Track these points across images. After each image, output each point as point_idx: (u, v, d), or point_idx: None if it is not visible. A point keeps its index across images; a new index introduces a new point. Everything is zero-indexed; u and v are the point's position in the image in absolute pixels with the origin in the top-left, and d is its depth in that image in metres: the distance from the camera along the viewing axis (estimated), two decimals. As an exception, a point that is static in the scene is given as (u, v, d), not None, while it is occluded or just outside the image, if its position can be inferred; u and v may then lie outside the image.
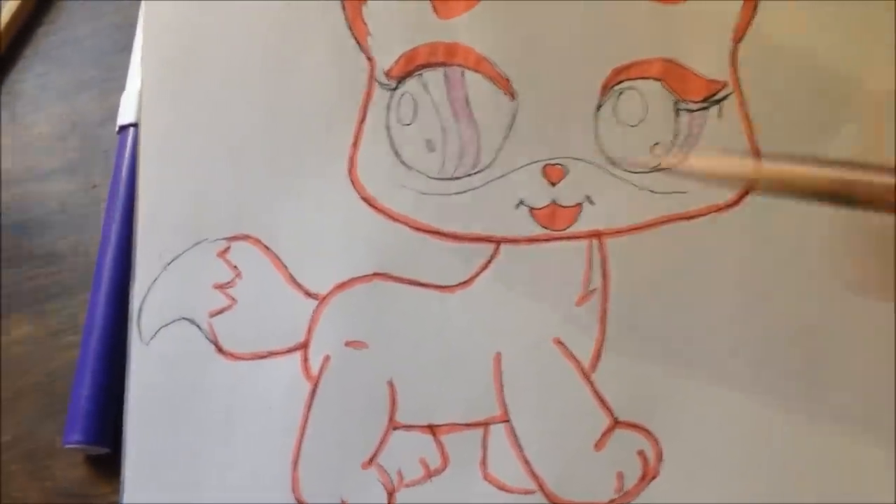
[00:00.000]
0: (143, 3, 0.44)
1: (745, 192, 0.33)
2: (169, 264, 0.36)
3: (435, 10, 0.36)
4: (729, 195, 0.33)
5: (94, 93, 0.45)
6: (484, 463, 0.33)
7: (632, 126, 0.35)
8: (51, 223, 0.43)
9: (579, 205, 0.34)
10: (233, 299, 0.35)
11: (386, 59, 0.36)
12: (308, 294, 0.35)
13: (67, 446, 0.38)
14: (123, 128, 0.43)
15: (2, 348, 0.41)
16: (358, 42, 0.36)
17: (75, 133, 0.45)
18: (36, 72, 0.46)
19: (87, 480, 0.39)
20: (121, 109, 0.43)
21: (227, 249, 0.35)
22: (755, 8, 0.34)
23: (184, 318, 0.35)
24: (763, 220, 0.33)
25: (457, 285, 0.34)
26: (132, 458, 0.35)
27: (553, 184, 0.34)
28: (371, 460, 0.34)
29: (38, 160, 0.44)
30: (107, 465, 0.38)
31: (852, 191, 0.26)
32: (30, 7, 0.47)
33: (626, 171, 0.34)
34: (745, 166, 0.32)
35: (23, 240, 0.43)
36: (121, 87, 0.44)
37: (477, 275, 0.34)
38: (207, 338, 0.35)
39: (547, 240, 0.34)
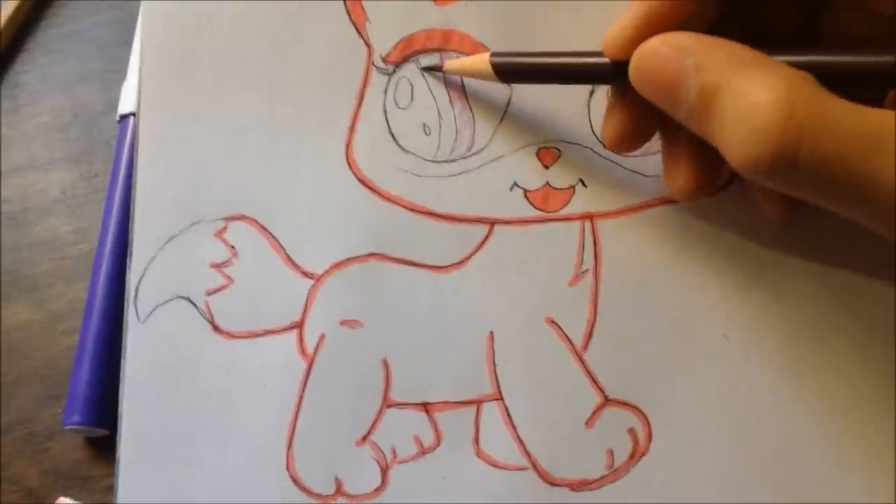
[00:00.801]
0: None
1: (734, 177, 0.34)
2: (166, 244, 0.36)
3: (431, -4, 0.36)
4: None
5: (96, 84, 0.46)
6: (476, 440, 0.34)
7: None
8: (52, 211, 0.44)
9: (572, 187, 0.35)
10: (229, 278, 0.35)
11: (383, 45, 0.36)
12: (304, 273, 0.35)
13: (67, 427, 0.38)
14: (124, 117, 0.43)
15: (3, 333, 0.41)
16: (356, 28, 0.37)
17: (77, 123, 0.45)
18: (39, 63, 0.47)
19: (87, 461, 0.39)
20: (121, 99, 0.44)
21: (223, 229, 0.36)
22: None
23: (180, 297, 0.36)
24: (752, 203, 0.34)
25: (451, 265, 0.35)
26: (128, 436, 0.35)
27: (546, 167, 0.35)
28: (365, 438, 0.34)
29: (41, 149, 0.45)
30: (106, 446, 0.39)
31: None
32: (33, 1, 0.47)
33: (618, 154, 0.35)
34: (481, 62, 0.33)
35: (24, 227, 0.43)
36: (122, 79, 0.45)
37: (471, 255, 0.35)
38: (204, 316, 0.35)
39: (540, 221, 0.35)
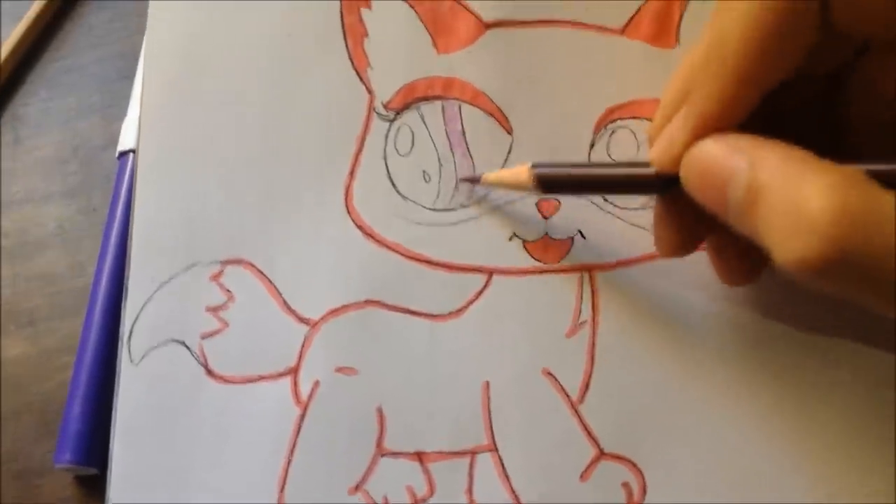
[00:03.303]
0: (145, 33, 0.45)
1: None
2: (162, 286, 0.36)
3: (434, 44, 0.37)
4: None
5: (97, 119, 0.46)
6: (470, 491, 0.34)
7: (623, 163, 0.35)
8: (50, 245, 0.44)
9: (571, 238, 0.35)
10: (225, 322, 0.35)
11: (385, 91, 0.36)
12: (300, 319, 0.35)
13: (58, 466, 0.38)
14: (123, 154, 0.43)
15: (-3, 367, 0.41)
16: (358, 74, 0.37)
17: (76, 157, 0.45)
18: (40, 97, 0.47)
19: (77, 501, 0.39)
20: (121, 136, 0.44)
21: (220, 273, 0.36)
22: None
23: (174, 340, 0.35)
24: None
25: (448, 314, 0.35)
26: (118, 478, 0.35)
27: (546, 217, 0.35)
28: (358, 486, 0.34)
29: (40, 183, 0.45)
30: (97, 485, 0.39)
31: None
32: (35, 34, 0.48)
33: (616, 207, 0.35)
34: (521, 173, 0.32)
35: (21, 260, 0.43)
36: (122, 114, 0.45)
37: (469, 304, 0.35)
38: (198, 360, 0.35)
39: (538, 272, 0.35)
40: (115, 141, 0.44)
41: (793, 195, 0.24)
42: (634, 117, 0.35)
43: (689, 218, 0.30)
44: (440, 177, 0.36)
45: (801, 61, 0.27)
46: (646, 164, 0.30)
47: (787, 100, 0.29)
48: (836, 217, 0.23)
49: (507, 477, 0.34)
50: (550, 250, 0.35)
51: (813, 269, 0.23)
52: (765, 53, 0.26)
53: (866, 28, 0.27)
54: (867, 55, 0.29)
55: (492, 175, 0.34)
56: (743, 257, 0.31)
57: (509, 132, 0.36)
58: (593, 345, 0.34)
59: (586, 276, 0.35)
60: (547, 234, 0.35)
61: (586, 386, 0.34)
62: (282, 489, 0.34)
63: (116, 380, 0.35)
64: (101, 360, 0.39)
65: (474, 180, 0.35)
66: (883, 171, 0.25)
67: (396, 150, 0.36)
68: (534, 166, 0.32)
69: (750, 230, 0.26)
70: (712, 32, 0.28)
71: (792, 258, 0.24)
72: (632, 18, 0.36)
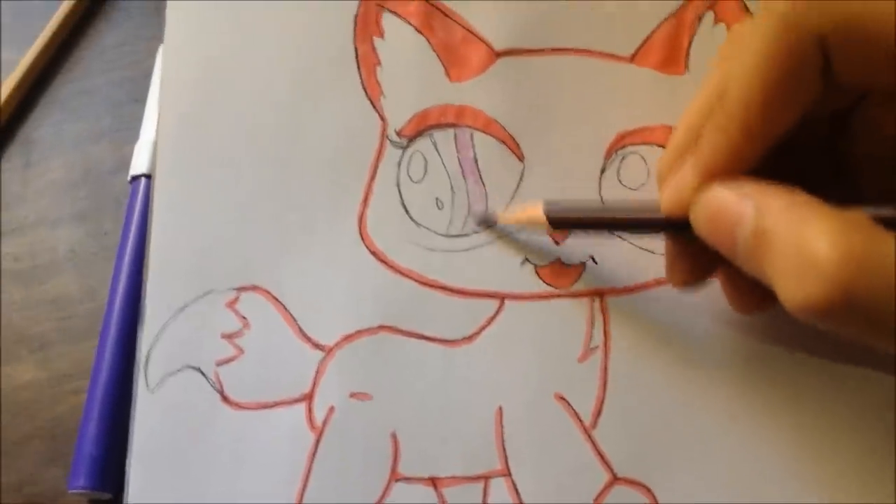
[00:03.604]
0: (160, 60, 0.45)
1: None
2: (178, 313, 0.36)
3: (447, 73, 0.37)
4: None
5: (107, 142, 0.46)
6: (484, 517, 0.34)
7: (633, 189, 0.36)
8: (61, 268, 0.44)
9: (582, 264, 0.35)
10: (240, 349, 0.36)
11: (398, 119, 0.37)
12: (315, 345, 0.35)
13: (72, 492, 0.38)
14: (136, 178, 0.44)
15: (9, 392, 0.41)
16: (371, 101, 0.37)
17: (88, 181, 0.45)
18: (52, 120, 0.47)
19: (89, 526, 0.39)
20: (133, 160, 0.44)
21: (235, 300, 0.36)
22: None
23: (190, 367, 0.36)
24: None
25: (461, 340, 0.35)
26: (135, 504, 0.35)
27: (557, 243, 0.35)
28: (373, 512, 0.34)
29: (51, 206, 0.45)
30: (109, 510, 0.39)
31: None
32: (47, 57, 0.48)
33: (628, 232, 0.35)
34: (535, 211, 0.33)
35: (32, 284, 0.43)
36: (133, 137, 0.45)
37: (481, 330, 0.35)
38: (213, 387, 0.35)
39: (550, 297, 0.35)
40: (125, 164, 0.44)
41: (797, 240, 0.24)
42: (645, 143, 0.36)
43: (699, 254, 0.31)
44: (453, 203, 0.36)
45: (804, 113, 0.28)
46: (656, 206, 0.30)
47: (793, 140, 0.30)
48: (840, 261, 0.23)
49: (520, 502, 0.34)
50: (562, 275, 0.35)
51: (818, 312, 0.24)
52: (769, 107, 0.27)
53: (868, 81, 0.27)
54: (869, 97, 0.30)
55: (506, 216, 0.35)
56: (755, 289, 0.31)
57: (521, 159, 0.36)
58: (605, 369, 0.35)
59: (597, 301, 0.35)
60: (559, 259, 0.35)
61: (599, 411, 0.34)
62: (297, 514, 0.34)
63: (132, 406, 0.36)
64: (115, 384, 0.39)
65: (490, 222, 0.36)
66: (886, 216, 0.25)
67: (409, 177, 0.36)
68: (546, 205, 0.32)
69: (757, 272, 0.26)
70: (717, 83, 0.28)
71: (798, 301, 0.24)
72: (641, 46, 0.37)
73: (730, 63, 0.28)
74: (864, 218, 0.24)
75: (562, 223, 0.33)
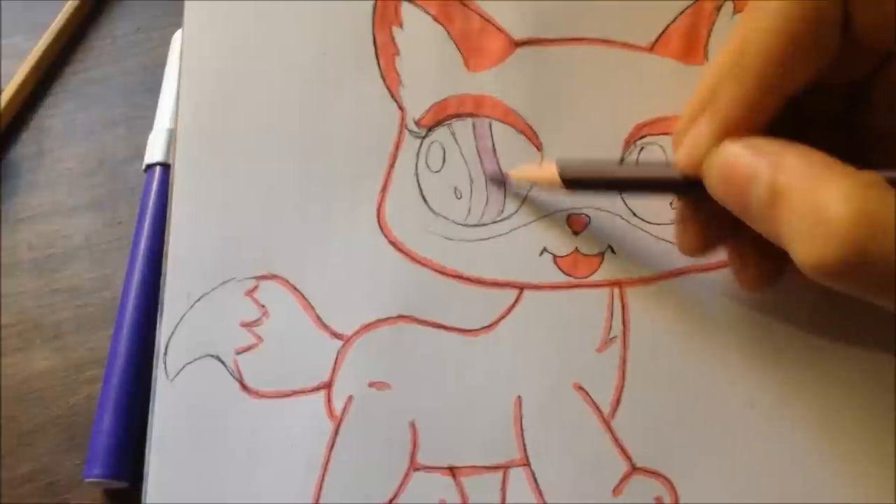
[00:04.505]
0: (174, 48, 0.45)
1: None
2: (197, 302, 0.36)
3: (465, 63, 0.37)
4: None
5: (121, 131, 0.46)
6: (503, 505, 0.34)
7: (652, 179, 0.36)
8: (76, 257, 0.44)
9: (601, 254, 0.35)
10: (259, 338, 0.36)
11: (416, 109, 0.37)
12: (334, 334, 0.35)
13: (87, 480, 0.38)
14: (150, 167, 0.44)
15: (24, 381, 0.41)
16: (390, 92, 0.37)
17: (102, 170, 0.45)
18: (65, 109, 0.47)
19: (106, 514, 0.39)
20: (148, 149, 0.44)
21: (255, 288, 0.36)
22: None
23: (209, 356, 0.36)
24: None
25: (480, 329, 0.35)
26: (154, 494, 0.35)
27: (576, 233, 0.35)
28: (391, 501, 0.34)
29: (65, 196, 0.45)
30: (125, 499, 0.39)
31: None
32: (60, 46, 0.48)
33: (646, 222, 0.35)
34: (547, 170, 0.33)
35: (47, 273, 0.43)
36: (147, 126, 0.45)
37: (500, 319, 0.35)
38: (233, 375, 0.35)
39: (569, 287, 0.35)
40: (140, 153, 0.45)
41: (813, 198, 0.24)
42: (664, 133, 0.36)
43: (711, 219, 0.31)
44: (471, 193, 0.36)
45: (822, 69, 0.28)
46: (669, 166, 0.31)
47: (812, 109, 0.30)
48: (855, 221, 0.23)
49: (539, 492, 0.34)
50: (581, 265, 0.35)
51: (831, 271, 0.24)
52: (787, 60, 0.27)
53: (887, 39, 0.27)
54: (890, 65, 0.30)
55: (518, 171, 0.35)
56: (761, 262, 0.31)
57: (539, 149, 0.36)
58: (624, 360, 0.35)
59: (616, 291, 0.35)
60: (577, 249, 0.35)
61: (618, 401, 0.34)
62: (316, 503, 0.34)
63: (152, 395, 0.36)
64: (131, 372, 0.39)
65: (502, 179, 0.36)
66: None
67: (428, 166, 0.36)
68: (560, 163, 0.32)
69: (770, 232, 0.26)
70: (736, 39, 0.28)
71: (811, 260, 0.24)
72: (660, 35, 0.37)
73: (749, 17, 0.28)
74: (880, 179, 0.24)
75: (575, 183, 0.33)
